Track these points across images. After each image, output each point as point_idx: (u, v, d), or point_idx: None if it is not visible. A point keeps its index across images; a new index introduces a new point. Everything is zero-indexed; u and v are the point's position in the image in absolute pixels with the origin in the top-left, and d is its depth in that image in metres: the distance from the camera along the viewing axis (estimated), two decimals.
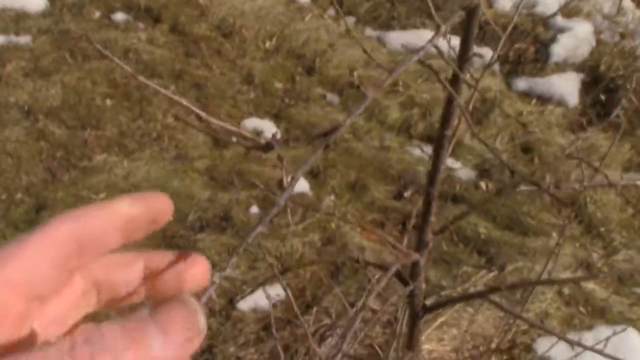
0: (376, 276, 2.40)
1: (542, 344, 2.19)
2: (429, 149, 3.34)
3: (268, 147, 0.71)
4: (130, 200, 0.38)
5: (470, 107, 0.85)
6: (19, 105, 3.08)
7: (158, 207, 0.40)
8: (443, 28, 0.62)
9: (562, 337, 0.98)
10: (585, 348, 1.00)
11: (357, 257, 1.01)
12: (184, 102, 0.63)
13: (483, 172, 2.93)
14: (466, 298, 1.01)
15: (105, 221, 0.37)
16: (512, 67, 3.51)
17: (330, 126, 0.52)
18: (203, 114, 0.51)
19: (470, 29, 0.71)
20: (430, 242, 0.99)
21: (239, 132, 0.70)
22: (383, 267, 1.04)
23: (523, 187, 0.95)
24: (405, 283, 1.03)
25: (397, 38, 3.66)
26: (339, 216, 2.05)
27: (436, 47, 0.62)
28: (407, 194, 2.79)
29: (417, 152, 3.00)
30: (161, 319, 0.31)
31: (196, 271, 0.39)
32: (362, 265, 1.03)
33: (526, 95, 3.32)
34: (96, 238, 0.36)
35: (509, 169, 0.70)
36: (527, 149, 3.05)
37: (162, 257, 0.40)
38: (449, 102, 0.78)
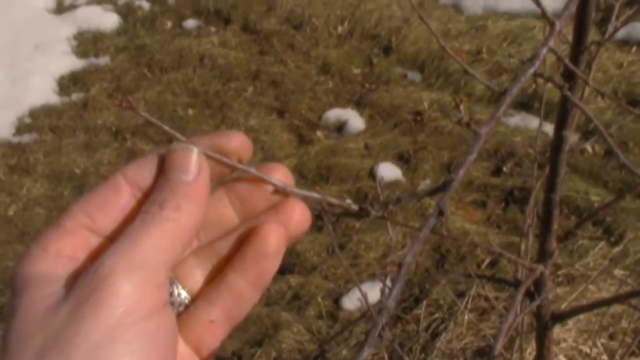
0: (485, 261, 2.28)
1: None
2: (523, 116, 3.12)
3: (362, 213, 0.61)
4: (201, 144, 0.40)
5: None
6: (106, 127, 3.14)
7: (234, 143, 0.40)
8: (558, 26, 0.51)
9: None
10: None
11: (470, 272, 0.91)
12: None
13: (587, 133, 2.72)
14: (601, 304, 0.89)
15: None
16: (605, 14, 3.24)
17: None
18: (286, 187, 0.43)
19: (586, 13, 0.60)
20: (555, 251, 0.88)
21: (327, 200, 0.61)
22: (503, 281, 0.94)
23: None
24: (530, 296, 0.92)
25: (474, 3, 3.46)
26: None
27: (553, 50, 0.51)
28: (506, 168, 2.63)
29: (512, 121, 2.82)
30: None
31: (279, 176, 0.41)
32: (476, 279, 0.94)
33: (624, 43, 3.06)
34: None
35: None
36: (633, 102, 2.80)
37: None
38: (564, 101, 0.67)
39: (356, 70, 3.28)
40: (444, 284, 2.20)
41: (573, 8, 0.54)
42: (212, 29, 3.73)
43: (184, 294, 0.40)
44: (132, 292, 0.33)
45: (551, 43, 0.52)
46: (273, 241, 0.40)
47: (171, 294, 0.40)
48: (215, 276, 0.41)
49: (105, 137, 3.10)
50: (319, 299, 2.28)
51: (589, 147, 2.68)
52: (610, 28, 0.84)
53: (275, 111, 3.08)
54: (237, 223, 0.41)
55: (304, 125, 3.00)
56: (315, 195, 0.59)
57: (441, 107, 2.95)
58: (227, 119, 3.04)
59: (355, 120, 2.97)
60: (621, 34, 3.08)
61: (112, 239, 0.36)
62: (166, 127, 0.44)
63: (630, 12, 0.79)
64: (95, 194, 0.38)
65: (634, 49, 3.02)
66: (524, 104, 2.90)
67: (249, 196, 0.41)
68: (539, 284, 0.94)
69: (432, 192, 0.52)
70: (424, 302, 2.14)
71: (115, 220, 0.37)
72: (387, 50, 3.35)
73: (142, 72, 3.45)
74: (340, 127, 2.98)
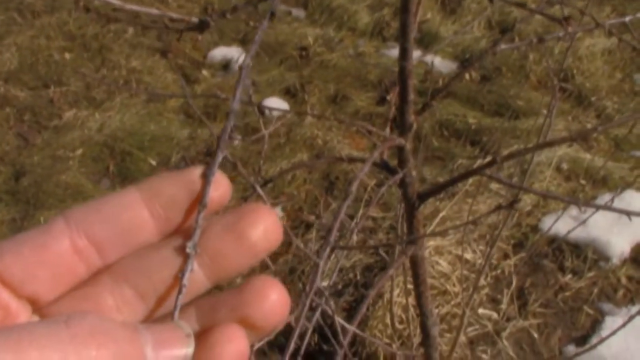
0: (371, 184, 2.35)
1: (548, 222, 2.16)
2: None
3: (203, 25, 0.62)
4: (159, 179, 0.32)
5: None
6: None
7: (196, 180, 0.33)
8: None
9: (569, 201, 0.92)
10: (596, 207, 0.95)
11: (341, 156, 0.94)
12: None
13: (464, 61, 2.83)
14: (461, 178, 0.94)
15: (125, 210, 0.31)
16: None
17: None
18: (129, 5, 0.42)
19: None
20: (414, 123, 0.92)
21: (167, 15, 0.61)
22: (358, 159, 0.97)
23: (504, 46, 0.88)
24: (395, 173, 0.96)
25: None
26: (328, 118, 1.98)
27: None
28: (389, 97, 2.70)
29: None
30: (155, 332, 0.28)
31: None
32: (346, 161, 0.97)
33: None
34: (119, 231, 0.31)
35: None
36: (505, 30, 2.93)
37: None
38: None
39: None
40: (333, 208, 2.25)
41: None
42: None
43: None
44: None
45: None
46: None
47: None
48: None
49: None
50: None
51: (466, 75, 2.79)
52: None
53: (158, 52, 3.00)
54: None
55: (189, 64, 2.94)
56: (154, 11, 0.59)
57: (326, 42, 2.97)
58: (107, 61, 2.93)
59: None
60: None
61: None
62: None
63: None
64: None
65: None
66: None
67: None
68: (402, 160, 0.98)
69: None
70: (314, 227, 2.19)
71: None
72: None
73: (11, 17, 3.24)
74: (226, 65, 2.95)
